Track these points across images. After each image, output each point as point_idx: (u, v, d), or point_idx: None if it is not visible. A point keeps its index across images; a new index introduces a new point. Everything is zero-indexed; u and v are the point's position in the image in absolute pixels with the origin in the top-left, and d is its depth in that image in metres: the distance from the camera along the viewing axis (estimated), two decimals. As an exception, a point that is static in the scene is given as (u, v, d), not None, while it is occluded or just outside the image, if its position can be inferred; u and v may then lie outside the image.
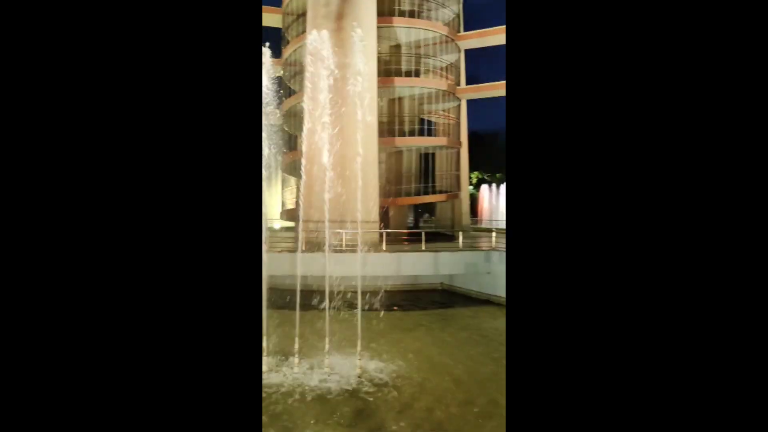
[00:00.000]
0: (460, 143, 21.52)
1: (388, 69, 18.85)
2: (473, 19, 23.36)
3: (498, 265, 13.32)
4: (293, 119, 19.08)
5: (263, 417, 5.80)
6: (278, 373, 7.44)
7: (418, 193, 19.99)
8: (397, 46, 19.52)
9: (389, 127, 19.32)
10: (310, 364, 7.79)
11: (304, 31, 17.21)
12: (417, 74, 19.70)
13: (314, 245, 11.45)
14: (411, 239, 16.06)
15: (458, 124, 21.91)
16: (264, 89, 7.54)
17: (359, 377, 7.35)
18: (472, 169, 30.63)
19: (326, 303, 8.08)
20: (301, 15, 18.26)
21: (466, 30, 22.29)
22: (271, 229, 19.64)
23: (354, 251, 10.94)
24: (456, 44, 20.88)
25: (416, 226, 23.22)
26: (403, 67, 19.25)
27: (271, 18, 20.04)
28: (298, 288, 8.19)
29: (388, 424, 5.92)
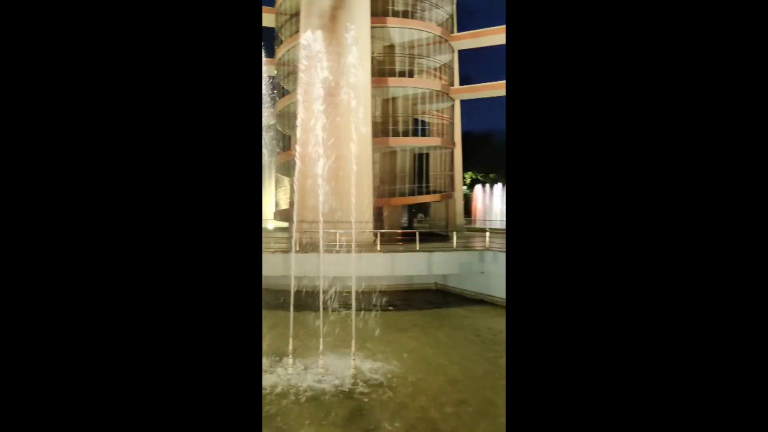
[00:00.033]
0: (453, 143, 21.58)
1: (381, 69, 18.85)
2: (467, 19, 23.43)
3: (492, 264, 13.37)
4: (286, 119, 19.02)
5: (257, 418, 5.77)
6: (272, 374, 7.41)
7: (412, 194, 20.01)
8: (391, 47, 19.53)
9: (383, 127, 19.32)
10: (305, 365, 7.77)
11: (297, 31, 17.15)
12: (411, 74, 19.72)
13: (308, 246, 11.41)
14: (405, 239, 16.07)
15: (452, 124, 21.97)
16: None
17: (354, 377, 7.34)
18: (465, 169, 30.72)
19: (320, 303, 8.07)
20: (295, 15, 18.21)
21: (459, 31, 22.35)
22: (264, 230, 19.56)
23: (348, 251, 10.92)
24: (449, 45, 20.93)
25: (410, 226, 23.24)
26: (397, 68, 19.27)
27: (264, 17, 19.97)
28: (292, 289, 8.16)
29: (383, 424, 5.92)
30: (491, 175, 38.41)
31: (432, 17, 20.73)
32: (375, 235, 14.41)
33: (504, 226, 25.57)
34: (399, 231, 18.24)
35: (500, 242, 14.63)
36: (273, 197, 22.94)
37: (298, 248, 11.30)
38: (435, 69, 21.20)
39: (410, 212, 24.78)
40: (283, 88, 19.81)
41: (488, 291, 13.49)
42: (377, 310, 11.59)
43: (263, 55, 8.24)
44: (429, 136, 21.39)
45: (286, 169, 19.62)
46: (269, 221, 21.86)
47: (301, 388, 6.91)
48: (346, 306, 8.34)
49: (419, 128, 21.28)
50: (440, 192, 20.71)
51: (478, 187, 33.83)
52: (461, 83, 23.86)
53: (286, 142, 20.24)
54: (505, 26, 20.57)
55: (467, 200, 32.36)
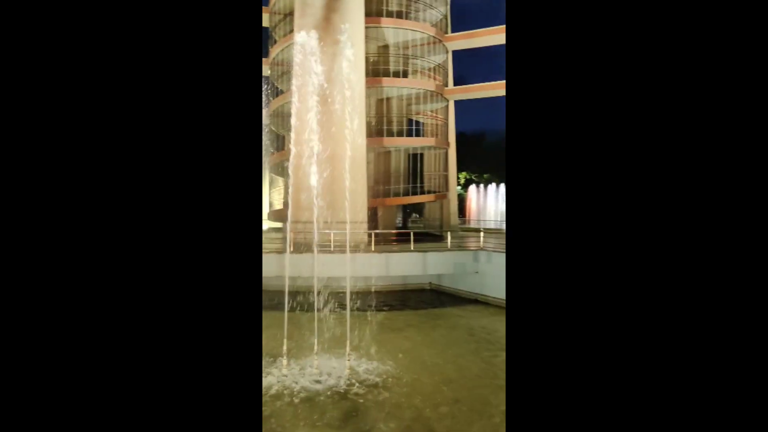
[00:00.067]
0: (448, 144, 21.62)
1: (376, 69, 18.85)
2: (458, 20, 23.50)
3: (486, 264, 13.42)
4: (280, 119, 18.96)
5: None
6: (267, 375, 7.38)
7: (406, 194, 20.03)
8: (385, 47, 19.54)
9: (377, 127, 19.32)
10: (299, 366, 7.74)
11: (291, 31, 17.10)
12: (405, 75, 19.74)
13: (302, 246, 11.37)
14: (400, 239, 16.08)
15: (446, 124, 22.01)
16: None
17: (349, 378, 7.32)
18: (459, 169, 30.79)
19: (315, 304, 8.05)
20: (289, 14, 18.16)
21: (453, 31, 22.41)
22: (258, 230, 19.43)
23: (342, 252, 10.90)
24: (444, 45, 20.97)
25: (405, 226, 23.25)
26: (391, 68, 19.27)
27: (258, 17, 19.85)
28: (287, 289, 8.14)
29: (378, 425, 5.91)
30: (485, 176, 38.54)
31: (426, 18, 20.77)
32: (369, 235, 14.40)
33: (498, 227, 25.69)
34: (393, 231, 18.24)
35: (494, 242, 14.68)
36: (267, 198, 22.85)
37: (292, 249, 11.27)
38: (429, 69, 21.25)
39: (405, 212, 24.81)
40: (277, 88, 19.74)
41: (482, 291, 13.53)
42: (372, 310, 11.58)
43: (257, 54, 8.15)
44: (423, 136, 21.42)
45: (280, 169, 19.55)
46: (263, 222, 21.77)
47: (295, 390, 6.88)
48: (341, 306, 8.33)
49: (413, 128, 21.30)
50: (434, 192, 20.75)
51: (472, 188, 33.93)
52: (455, 84, 23.92)
53: (279, 143, 20.18)
54: (498, 27, 20.68)
55: (461, 200, 32.43)
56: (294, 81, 8.99)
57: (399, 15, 19.11)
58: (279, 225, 20.78)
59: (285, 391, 6.80)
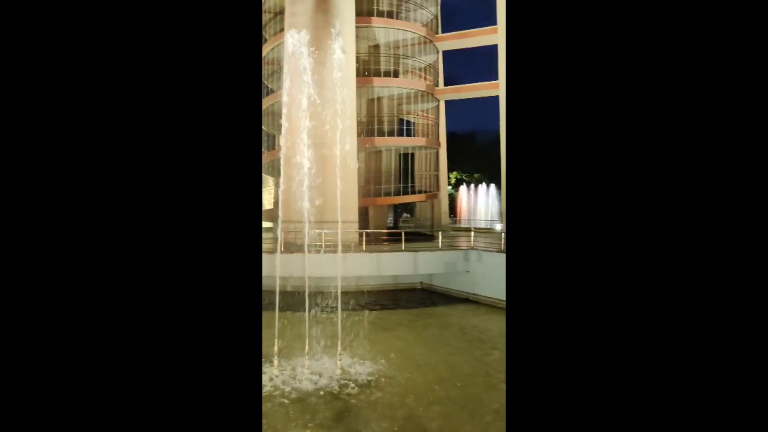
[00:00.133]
0: (438, 143, 21.69)
1: (367, 69, 18.84)
2: (446, 20, 23.56)
3: (476, 264, 13.48)
4: (270, 118, 18.84)
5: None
6: (257, 376, 7.32)
7: (397, 193, 20.05)
8: (376, 47, 19.53)
9: (368, 127, 19.30)
10: (290, 366, 7.69)
11: (281, 30, 17.00)
12: (396, 74, 19.75)
13: (293, 246, 11.30)
14: (391, 239, 16.08)
15: (437, 124, 22.08)
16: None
17: (341, 378, 7.29)
18: (450, 169, 30.91)
19: (306, 304, 8.01)
20: (279, 13, 18.05)
21: (444, 32, 22.48)
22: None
23: (334, 252, 10.86)
24: (434, 45, 21.03)
25: (396, 225, 23.27)
26: (382, 68, 19.28)
27: (247, 15, 19.70)
28: (278, 289, 8.08)
29: (371, 425, 5.90)
30: (476, 175, 38.75)
31: (417, 18, 20.81)
32: (360, 235, 14.37)
33: (488, 226, 25.83)
34: (384, 231, 18.24)
35: (484, 241, 14.76)
36: (257, 197, 22.67)
37: (282, 248, 11.19)
38: (420, 69, 21.29)
39: (396, 212, 24.82)
40: (267, 87, 19.61)
41: (473, 290, 13.59)
42: (364, 310, 11.56)
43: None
44: (414, 136, 21.46)
45: (271, 169, 19.43)
46: (253, 222, 21.58)
47: (286, 390, 6.84)
48: (332, 306, 8.29)
49: (404, 128, 21.34)
50: (425, 192, 20.80)
51: (462, 187, 34.08)
52: (446, 84, 24.01)
53: (270, 142, 20.05)
54: (489, 28, 20.80)
55: (452, 200, 32.57)
56: (284, 80, 8.94)
57: (390, 15, 19.12)
58: (269, 225, 20.64)
59: (276, 392, 6.75)
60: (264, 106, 19.29)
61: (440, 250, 13.91)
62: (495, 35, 20.21)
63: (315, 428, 5.77)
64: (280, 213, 9.57)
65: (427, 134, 21.24)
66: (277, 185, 18.09)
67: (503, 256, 12.68)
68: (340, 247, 8.97)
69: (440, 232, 16.40)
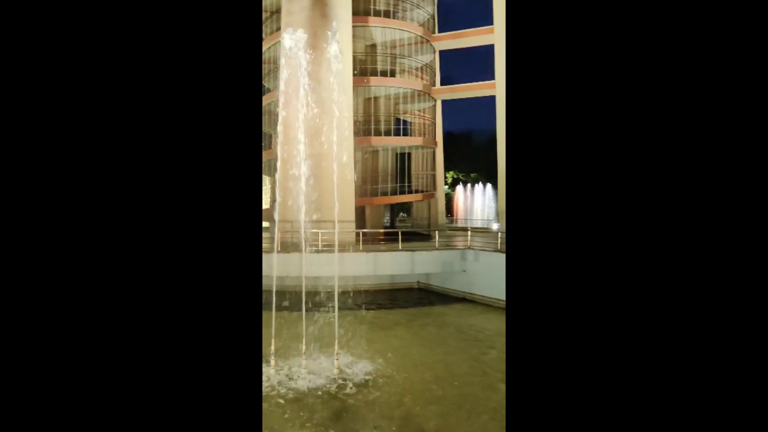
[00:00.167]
0: (435, 143, 21.70)
1: (363, 68, 18.82)
2: (442, 20, 23.59)
3: (473, 263, 13.49)
4: (267, 117, 18.78)
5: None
6: (254, 376, 7.29)
7: (394, 193, 20.04)
8: (373, 46, 19.52)
9: (365, 126, 19.29)
10: (287, 366, 7.67)
11: (278, 29, 16.96)
12: (392, 74, 19.74)
13: (290, 245, 11.27)
14: (387, 239, 16.07)
15: (433, 124, 22.09)
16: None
17: (338, 377, 7.28)
18: (447, 169, 30.95)
19: (303, 303, 7.99)
20: (275, 12, 18.00)
21: (440, 31, 22.50)
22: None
23: (331, 251, 10.84)
24: (431, 45, 21.05)
25: (392, 225, 23.27)
26: (379, 67, 19.27)
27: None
28: (274, 289, 8.06)
29: (368, 424, 5.89)
30: (472, 175, 38.81)
31: (413, 17, 20.82)
32: (357, 234, 14.36)
33: (485, 226, 25.88)
34: (381, 230, 18.23)
35: (481, 241, 14.78)
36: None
37: (279, 248, 11.16)
38: (416, 69, 21.29)
39: (392, 211, 24.83)
40: (264, 86, 19.55)
41: (470, 289, 13.61)
42: (361, 309, 11.55)
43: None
44: (411, 135, 21.47)
45: (267, 168, 19.37)
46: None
47: (283, 390, 6.82)
48: (329, 305, 8.28)
49: (401, 128, 21.34)
50: (422, 191, 20.80)
51: (459, 187, 34.13)
52: (442, 83, 24.03)
53: (266, 141, 19.99)
54: (485, 27, 20.83)
55: (449, 200, 32.63)
56: (281, 79, 8.91)
57: (386, 14, 19.11)
58: (266, 224, 20.59)
59: (272, 392, 6.73)
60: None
61: (437, 249, 13.92)
62: (491, 35, 20.25)
63: (312, 428, 5.76)
64: (276, 212, 9.55)
65: (424, 134, 21.25)
66: (273, 185, 18.04)
67: (500, 255, 12.71)
68: (337, 247, 8.96)
69: (437, 232, 16.41)
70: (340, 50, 9.11)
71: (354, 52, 17.28)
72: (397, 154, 20.61)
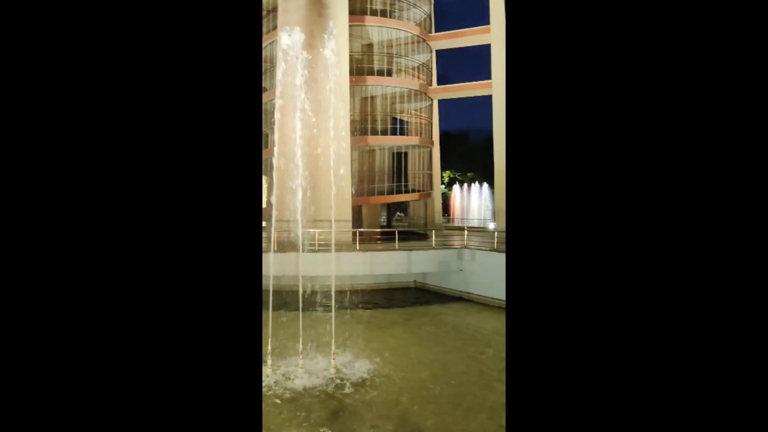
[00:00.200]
0: (432, 143, 21.71)
1: (360, 68, 18.80)
2: (439, 19, 23.56)
3: (469, 262, 13.52)
4: (263, 117, 18.72)
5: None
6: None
7: (391, 192, 20.04)
8: (370, 45, 19.50)
9: (362, 125, 19.27)
10: (284, 365, 7.66)
11: (275, 28, 16.92)
12: (389, 73, 19.74)
13: (287, 245, 11.25)
14: (384, 238, 16.07)
15: (430, 123, 22.10)
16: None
17: (334, 377, 7.28)
18: (443, 168, 30.99)
19: (300, 303, 7.98)
20: (272, 11, 17.95)
21: (437, 31, 22.51)
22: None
23: (327, 251, 10.84)
24: (427, 44, 21.05)
25: (389, 224, 23.28)
26: (376, 66, 19.26)
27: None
28: (271, 288, 8.04)
29: (365, 424, 5.89)
30: (469, 174, 38.87)
31: (410, 17, 20.82)
32: (354, 234, 14.35)
33: (481, 225, 25.92)
34: (378, 230, 18.23)
35: (478, 240, 14.81)
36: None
37: (276, 248, 11.14)
38: (413, 68, 21.30)
39: (389, 211, 24.83)
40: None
41: (467, 288, 13.64)
42: (357, 309, 11.54)
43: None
44: (407, 135, 21.47)
45: (264, 167, 19.32)
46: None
47: (279, 390, 6.81)
48: (326, 305, 8.28)
49: (398, 127, 21.34)
50: (419, 191, 20.81)
51: (456, 187, 34.17)
52: (438, 83, 24.04)
53: (263, 140, 19.94)
54: (482, 27, 20.87)
55: (445, 199, 32.66)
56: (277, 79, 8.88)
57: (383, 14, 19.10)
58: (263, 224, 20.52)
59: (269, 392, 6.72)
60: (257, 105, 19.17)
61: (434, 248, 13.93)
62: (488, 35, 20.29)
63: (309, 428, 5.75)
64: (273, 212, 9.52)
65: (421, 133, 21.27)
66: (270, 184, 18.00)
67: (496, 254, 12.74)
68: (333, 247, 8.95)
69: (433, 231, 16.43)
70: (336, 51, 9.09)
71: (351, 51, 17.26)
72: (393, 153, 20.61)
